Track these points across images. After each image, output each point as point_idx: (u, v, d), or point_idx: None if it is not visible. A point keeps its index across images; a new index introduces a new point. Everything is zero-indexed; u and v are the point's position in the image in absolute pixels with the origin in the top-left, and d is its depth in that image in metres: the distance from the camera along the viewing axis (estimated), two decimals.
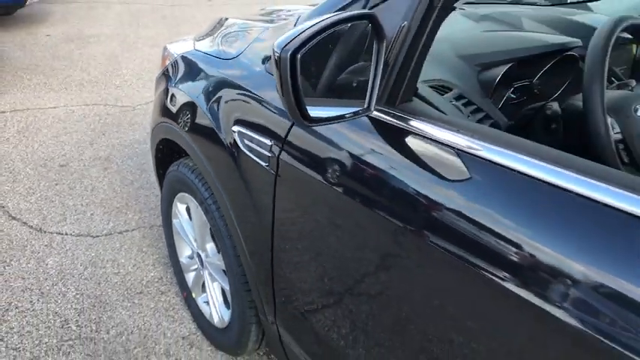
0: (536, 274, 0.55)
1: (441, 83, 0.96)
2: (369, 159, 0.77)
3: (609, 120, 0.80)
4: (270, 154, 0.96)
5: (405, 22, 0.72)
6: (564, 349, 0.55)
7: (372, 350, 0.85)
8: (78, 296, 1.75)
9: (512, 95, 1.08)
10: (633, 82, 1.08)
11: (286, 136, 0.92)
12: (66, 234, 2.07)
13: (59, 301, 1.72)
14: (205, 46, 1.40)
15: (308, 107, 0.67)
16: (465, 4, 1.21)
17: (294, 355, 1.12)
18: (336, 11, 0.87)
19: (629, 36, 1.30)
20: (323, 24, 0.65)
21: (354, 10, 0.81)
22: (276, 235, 1.03)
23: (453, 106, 0.90)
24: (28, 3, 5.37)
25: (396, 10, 0.73)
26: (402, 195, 0.72)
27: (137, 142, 2.93)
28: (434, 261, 0.67)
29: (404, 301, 0.75)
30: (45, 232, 2.08)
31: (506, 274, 0.58)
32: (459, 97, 0.94)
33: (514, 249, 0.57)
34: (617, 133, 0.83)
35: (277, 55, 0.63)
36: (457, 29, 1.19)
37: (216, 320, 1.50)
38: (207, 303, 1.56)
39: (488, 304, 0.62)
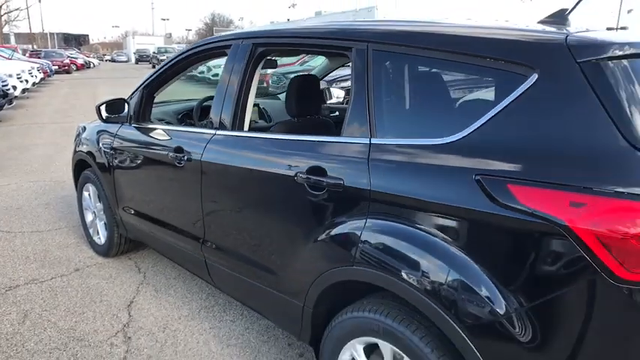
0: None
1: (163, 118, 2.98)
2: (132, 137, 2.73)
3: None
4: (110, 146, 2.90)
5: (137, 102, 2.74)
6: None
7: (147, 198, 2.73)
8: (35, 251, 3.46)
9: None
10: None
11: (114, 137, 2.87)
12: (25, 232, 3.79)
13: (22, 253, 3.42)
14: (95, 122, 3.37)
15: (110, 119, 2.68)
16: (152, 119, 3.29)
17: (125, 220, 2.96)
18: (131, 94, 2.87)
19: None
20: (109, 99, 2.68)
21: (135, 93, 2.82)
22: (115, 176, 2.93)
23: (162, 124, 2.92)
24: None
25: (134, 101, 2.76)
26: (143, 145, 2.67)
27: (66, 197, 4.73)
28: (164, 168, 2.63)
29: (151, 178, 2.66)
30: (11, 232, 3.79)
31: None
32: (167, 122, 2.97)
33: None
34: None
35: (96, 106, 2.64)
36: (183, 105, 3.30)
37: (103, 241, 3.30)
38: (100, 238, 3.35)
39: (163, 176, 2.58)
